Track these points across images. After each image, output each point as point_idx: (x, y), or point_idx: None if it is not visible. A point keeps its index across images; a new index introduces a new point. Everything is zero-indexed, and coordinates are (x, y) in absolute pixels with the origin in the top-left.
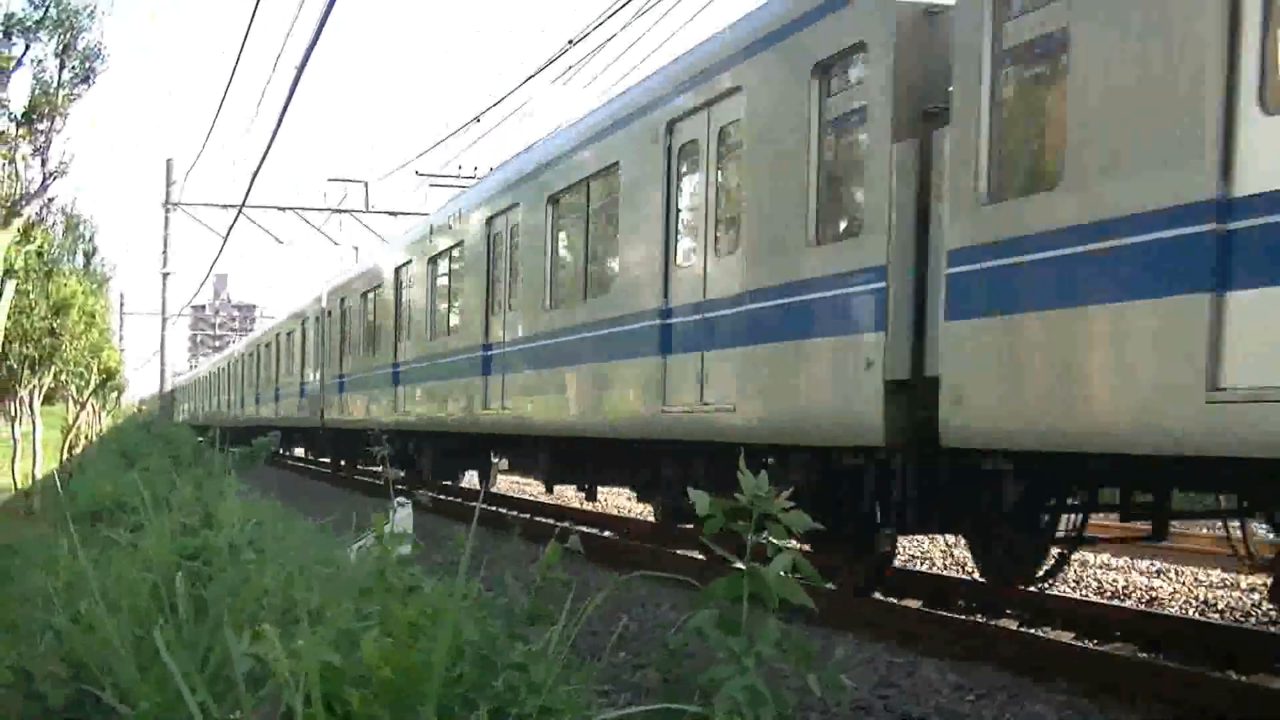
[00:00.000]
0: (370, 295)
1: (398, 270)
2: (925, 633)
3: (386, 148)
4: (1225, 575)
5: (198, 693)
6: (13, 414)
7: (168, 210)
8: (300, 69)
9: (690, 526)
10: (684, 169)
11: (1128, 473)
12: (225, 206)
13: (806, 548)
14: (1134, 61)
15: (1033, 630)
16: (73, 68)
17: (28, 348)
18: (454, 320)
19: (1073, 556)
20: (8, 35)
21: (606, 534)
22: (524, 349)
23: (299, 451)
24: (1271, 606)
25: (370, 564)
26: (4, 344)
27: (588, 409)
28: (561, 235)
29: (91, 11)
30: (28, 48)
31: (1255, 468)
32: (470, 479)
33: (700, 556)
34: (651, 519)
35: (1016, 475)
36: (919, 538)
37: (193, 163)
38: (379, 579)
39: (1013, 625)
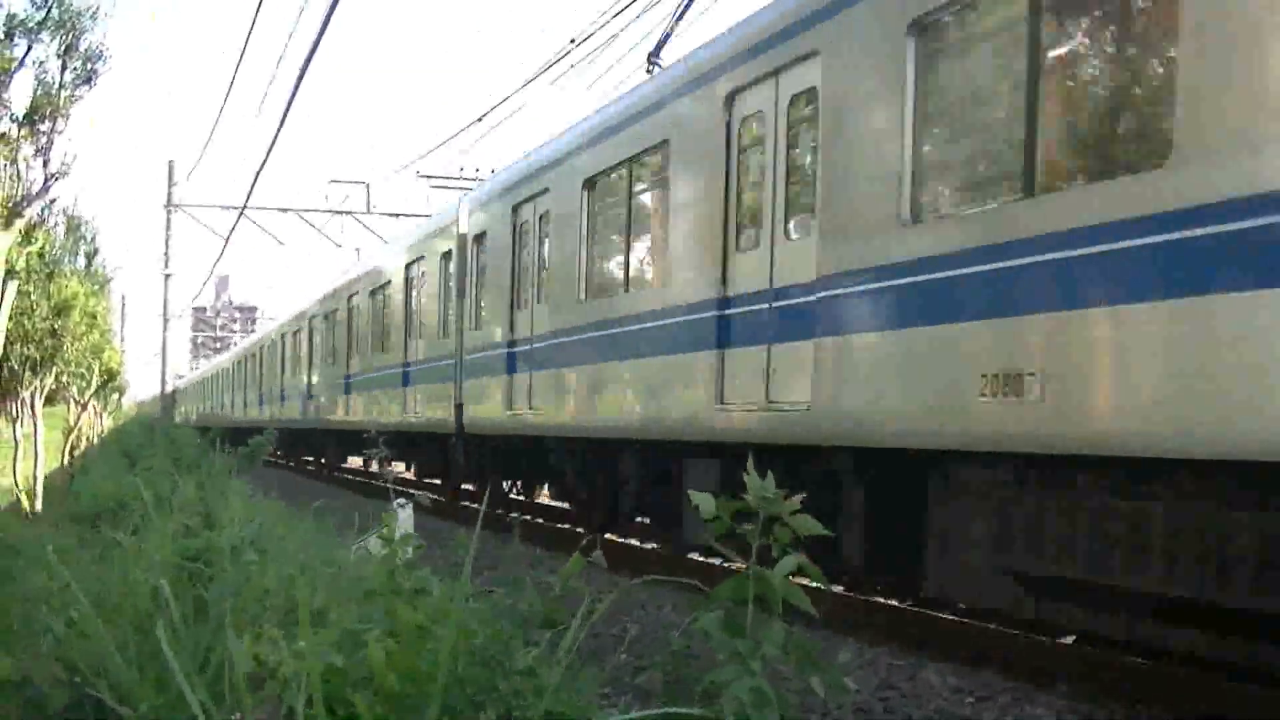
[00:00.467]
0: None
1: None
2: (926, 636)
3: (388, 149)
4: None
5: (198, 693)
6: (14, 415)
7: (169, 211)
8: (303, 70)
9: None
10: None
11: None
12: (227, 208)
13: None
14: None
15: (1033, 634)
16: (75, 69)
17: (29, 349)
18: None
19: None
20: (10, 36)
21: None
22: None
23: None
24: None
25: (374, 565)
26: (5, 345)
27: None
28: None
29: (94, 13)
30: (30, 49)
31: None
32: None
33: (703, 559)
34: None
35: None
36: None
37: (194, 164)
38: (388, 580)
39: (1013, 629)
